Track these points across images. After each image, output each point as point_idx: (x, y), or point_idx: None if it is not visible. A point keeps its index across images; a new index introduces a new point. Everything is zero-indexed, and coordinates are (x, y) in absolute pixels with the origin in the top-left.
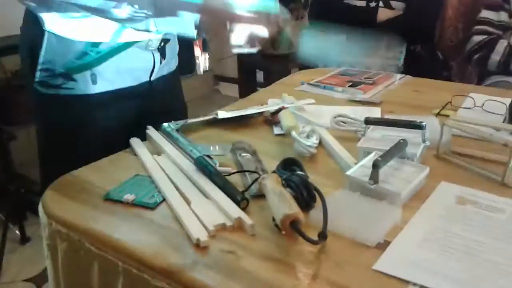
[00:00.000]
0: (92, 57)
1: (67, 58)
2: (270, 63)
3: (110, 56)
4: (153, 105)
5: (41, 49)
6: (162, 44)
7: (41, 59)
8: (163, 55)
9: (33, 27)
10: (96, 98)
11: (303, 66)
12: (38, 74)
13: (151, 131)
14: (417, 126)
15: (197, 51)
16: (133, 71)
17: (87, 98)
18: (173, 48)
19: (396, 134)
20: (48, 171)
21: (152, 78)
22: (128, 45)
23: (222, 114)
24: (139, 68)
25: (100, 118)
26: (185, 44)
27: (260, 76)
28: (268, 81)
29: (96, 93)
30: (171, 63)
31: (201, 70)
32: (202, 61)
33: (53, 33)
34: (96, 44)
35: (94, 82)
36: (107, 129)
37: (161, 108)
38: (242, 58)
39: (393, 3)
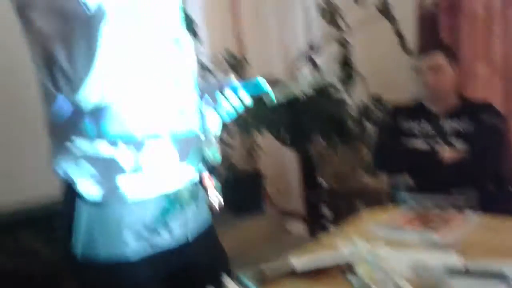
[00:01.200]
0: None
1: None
2: (334, 199)
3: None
4: (190, 265)
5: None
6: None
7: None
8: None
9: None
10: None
11: (370, 203)
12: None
13: (226, 280)
14: (502, 276)
15: (208, 183)
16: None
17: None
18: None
19: (481, 282)
20: None
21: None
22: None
23: (298, 264)
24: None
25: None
26: (251, 181)
27: (326, 210)
28: (335, 216)
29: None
30: (203, 215)
31: (217, 206)
32: (214, 195)
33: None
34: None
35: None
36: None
37: (199, 265)
38: (307, 194)
39: (456, 145)
